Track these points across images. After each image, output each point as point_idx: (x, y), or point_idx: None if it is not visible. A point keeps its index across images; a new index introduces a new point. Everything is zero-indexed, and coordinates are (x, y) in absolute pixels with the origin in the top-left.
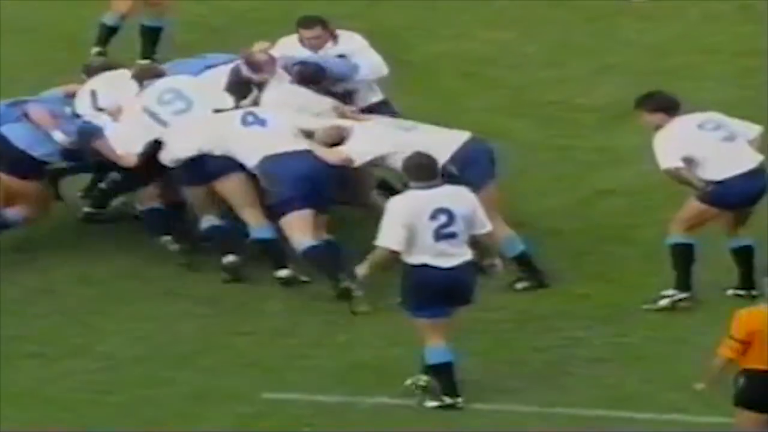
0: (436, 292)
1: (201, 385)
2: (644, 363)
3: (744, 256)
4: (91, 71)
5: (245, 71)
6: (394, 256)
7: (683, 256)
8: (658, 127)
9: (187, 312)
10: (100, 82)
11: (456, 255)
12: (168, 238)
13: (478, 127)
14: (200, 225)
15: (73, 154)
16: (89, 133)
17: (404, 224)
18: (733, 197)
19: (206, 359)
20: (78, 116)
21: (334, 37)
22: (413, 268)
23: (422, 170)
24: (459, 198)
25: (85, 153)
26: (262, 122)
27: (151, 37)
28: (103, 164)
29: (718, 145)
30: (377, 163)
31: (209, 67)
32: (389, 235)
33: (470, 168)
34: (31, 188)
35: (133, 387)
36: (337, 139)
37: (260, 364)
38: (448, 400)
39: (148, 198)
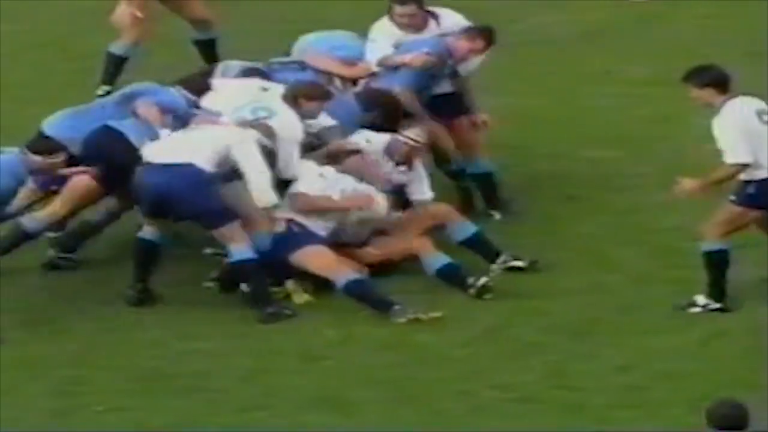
0: None
1: None
2: None
3: None
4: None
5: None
6: None
7: (720, 263)
8: (707, 105)
9: None
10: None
11: None
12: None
13: (581, 255)
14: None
15: None
16: None
17: None
18: None
19: None
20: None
21: (435, 17)
22: None
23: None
24: None
25: None
26: (185, 128)
27: (209, 49)
28: None
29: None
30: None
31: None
32: None
33: None
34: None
35: None
36: None
37: None
38: None
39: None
